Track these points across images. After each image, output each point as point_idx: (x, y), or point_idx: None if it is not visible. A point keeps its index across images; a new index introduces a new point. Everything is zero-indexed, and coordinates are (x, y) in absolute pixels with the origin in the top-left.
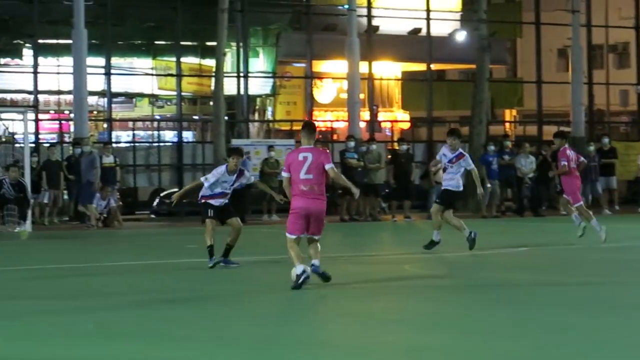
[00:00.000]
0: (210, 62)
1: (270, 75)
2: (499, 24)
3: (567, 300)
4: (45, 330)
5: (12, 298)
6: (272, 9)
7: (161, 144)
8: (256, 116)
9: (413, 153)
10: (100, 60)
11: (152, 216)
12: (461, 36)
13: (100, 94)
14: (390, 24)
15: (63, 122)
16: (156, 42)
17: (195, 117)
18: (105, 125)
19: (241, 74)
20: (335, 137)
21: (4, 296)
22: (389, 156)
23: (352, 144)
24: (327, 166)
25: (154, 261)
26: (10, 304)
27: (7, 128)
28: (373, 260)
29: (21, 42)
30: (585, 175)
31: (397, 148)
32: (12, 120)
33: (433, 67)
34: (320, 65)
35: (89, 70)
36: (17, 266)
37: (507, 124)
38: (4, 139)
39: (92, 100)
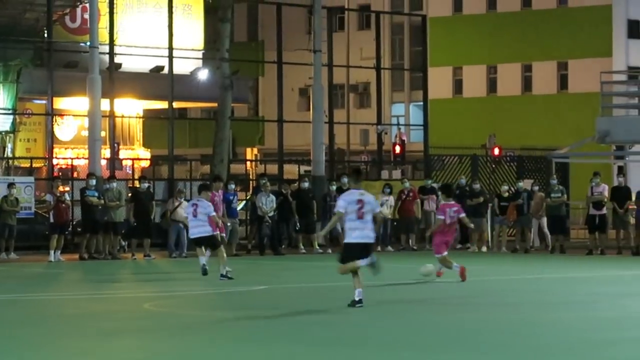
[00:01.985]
0: None
1: (10, 111)
2: (242, 62)
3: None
4: None
5: None
6: (13, 45)
7: None
8: None
9: (154, 191)
10: None
11: None
12: (203, 74)
13: None
14: (132, 62)
15: None
16: None
17: None
18: None
19: None
20: (75, 174)
21: None
22: (130, 194)
23: (93, 181)
24: None
25: None
26: None
27: None
28: (113, 299)
29: None
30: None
31: (138, 186)
32: None
33: (175, 104)
34: (61, 102)
35: None
36: None
37: (249, 163)
38: None
39: None
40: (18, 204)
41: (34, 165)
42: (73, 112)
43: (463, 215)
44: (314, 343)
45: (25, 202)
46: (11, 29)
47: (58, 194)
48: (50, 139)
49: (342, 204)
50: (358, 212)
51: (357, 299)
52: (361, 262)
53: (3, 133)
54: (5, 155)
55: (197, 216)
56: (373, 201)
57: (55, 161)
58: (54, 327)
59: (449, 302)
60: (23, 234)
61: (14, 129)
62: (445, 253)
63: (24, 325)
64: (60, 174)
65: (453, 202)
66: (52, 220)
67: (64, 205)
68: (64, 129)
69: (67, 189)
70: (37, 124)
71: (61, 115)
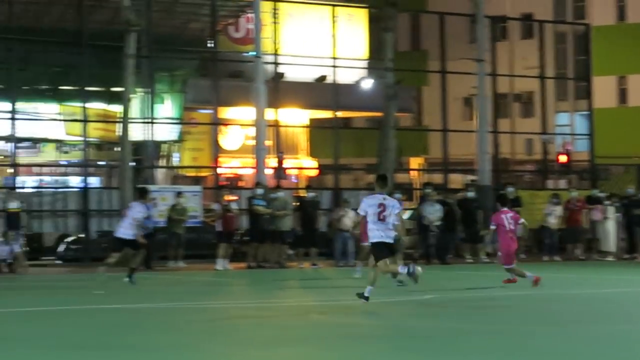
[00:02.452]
0: (117, 108)
1: (176, 121)
2: (406, 72)
3: (474, 347)
4: None
5: None
6: (179, 55)
7: (67, 189)
8: (162, 162)
9: (320, 200)
10: (6, 105)
11: (58, 262)
12: (367, 84)
13: (6, 139)
14: (296, 71)
15: None
16: (62, 87)
17: (101, 163)
18: (10, 170)
19: (147, 120)
20: (242, 183)
21: None
22: (296, 203)
23: (259, 191)
24: None
25: (58, 307)
26: None
27: None
28: (279, 307)
29: None
30: None
31: (304, 195)
32: None
33: (339, 114)
34: (226, 112)
35: None
36: None
37: (414, 172)
38: None
39: None
40: (185, 213)
41: (200, 174)
42: (238, 122)
43: (522, 221)
44: (484, 353)
45: (192, 211)
46: (176, 39)
47: (225, 203)
48: (216, 148)
49: (364, 206)
50: (379, 215)
51: (366, 294)
52: (401, 269)
53: (170, 142)
54: (172, 165)
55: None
56: (397, 205)
57: (221, 170)
58: (220, 334)
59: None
60: (191, 243)
61: (180, 139)
62: (513, 265)
63: (192, 332)
64: (228, 182)
65: (507, 209)
66: (219, 229)
67: (230, 214)
68: (230, 138)
69: (235, 198)
70: (203, 134)
71: (226, 124)
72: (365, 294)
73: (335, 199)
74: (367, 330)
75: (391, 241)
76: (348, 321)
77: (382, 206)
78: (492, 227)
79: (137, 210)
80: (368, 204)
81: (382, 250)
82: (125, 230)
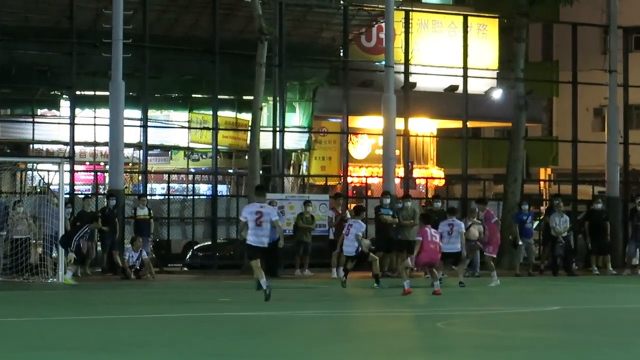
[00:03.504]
0: (247, 116)
1: (306, 130)
2: (536, 82)
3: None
4: None
5: (37, 348)
6: (310, 64)
7: (196, 197)
8: (291, 171)
9: (446, 210)
10: (137, 113)
11: (185, 269)
12: (498, 94)
13: (136, 146)
14: (427, 81)
15: (98, 173)
16: (193, 95)
17: (230, 171)
18: (140, 178)
19: (277, 129)
20: (369, 193)
21: (27, 346)
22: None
23: (387, 200)
24: None
25: (186, 314)
26: (32, 355)
27: (42, 179)
28: (406, 317)
29: (59, 93)
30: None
31: (431, 206)
32: (48, 171)
33: (469, 124)
34: (356, 121)
35: (125, 122)
36: (45, 316)
37: (542, 183)
38: (39, 190)
39: (127, 152)
40: (313, 221)
41: (328, 183)
42: (368, 131)
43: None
44: None
45: (320, 220)
46: (307, 48)
47: (340, 211)
48: (345, 157)
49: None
50: (256, 221)
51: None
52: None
53: (299, 151)
54: (300, 173)
55: None
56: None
57: (349, 179)
58: (343, 343)
59: None
60: (318, 251)
61: (309, 147)
62: None
63: (315, 340)
64: (354, 192)
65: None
66: (332, 237)
67: (346, 223)
68: (359, 147)
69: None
70: (332, 142)
71: (356, 133)
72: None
73: (463, 210)
74: (495, 340)
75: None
76: (476, 331)
77: (259, 213)
78: None
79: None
80: (247, 211)
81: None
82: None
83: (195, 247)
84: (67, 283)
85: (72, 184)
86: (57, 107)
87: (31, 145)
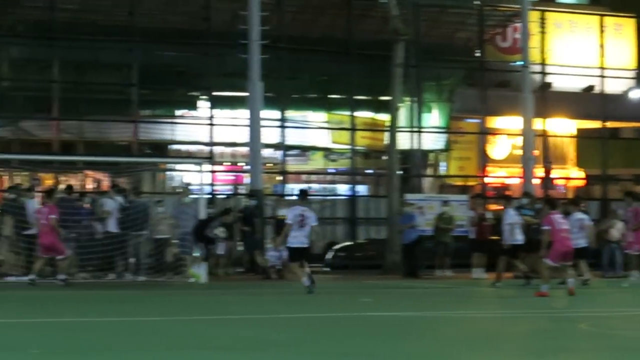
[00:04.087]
0: (384, 117)
1: (443, 130)
2: None
3: None
4: None
5: (184, 348)
6: (446, 65)
7: (335, 197)
8: (429, 171)
9: (589, 211)
10: (276, 113)
11: (325, 269)
12: (636, 94)
13: (275, 146)
14: (563, 81)
15: (238, 174)
16: (330, 96)
17: (369, 171)
18: (279, 178)
19: (415, 129)
20: (508, 193)
21: (176, 345)
22: None
23: (526, 200)
24: None
25: (327, 314)
26: (183, 354)
27: (182, 179)
28: (547, 318)
29: (197, 94)
30: None
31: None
32: (188, 171)
33: (608, 124)
34: (493, 121)
35: (264, 122)
36: (189, 316)
37: None
38: (179, 190)
39: (267, 152)
40: (452, 222)
41: (467, 183)
42: (505, 131)
43: None
44: None
45: (459, 220)
46: (443, 48)
47: (480, 212)
48: (483, 158)
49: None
50: (300, 223)
51: None
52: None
53: (437, 151)
54: (439, 173)
55: None
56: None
57: (488, 180)
58: (488, 345)
59: None
60: (458, 252)
61: (447, 148)
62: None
63: (457, 341)
64: (494, 193)
65: None
66: (472, 237)
67: (486, 223)
68: (497, 147)
69: (500, 207)
70: (469, 143)
71: (493, 134)
72: None
73: (603, 210)
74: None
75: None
76: (618, 333)
77: (302, 216)
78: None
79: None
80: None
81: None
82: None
83: (335, 247)
84: (192, 275)
85: (212, 184)
86: (196, 108)
87: (171, 146)
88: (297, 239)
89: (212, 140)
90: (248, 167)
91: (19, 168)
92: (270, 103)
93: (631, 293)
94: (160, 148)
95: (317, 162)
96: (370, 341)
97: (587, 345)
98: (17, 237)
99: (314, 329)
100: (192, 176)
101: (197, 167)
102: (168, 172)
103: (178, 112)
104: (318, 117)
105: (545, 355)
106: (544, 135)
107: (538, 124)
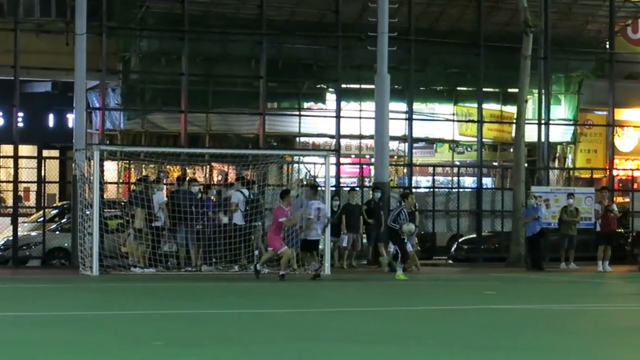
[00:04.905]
0: (511, 109)
1: (571, 122)
2: None
3: None
4: None
5: (305, 339)
6: (575, 56)
7: (460, 189)
8: (556, 163)
9: None
10: (402, 106)
11: (450, 261)
12: None
13: (402, 139)
14: None
15: (364, 166)
16: (458, 88)
17: (495, 164)
18: (405, 170)
19: (542, 121)
20: (636, 186)
21: (307, 337)
22: None
23: None
24: None
25: (450, 306)
26: (309, 345)
27: (308, 171)
28: None
29: (324, 86)
30: None
31: None
32: (314, 163)
33: None
34: (621, 113)
35: (390, 115)
36: (309, 308)
37: None
38: (305, 182)
39: (393, 144)
40: (578, 214)
41: (594, 176)
42: (634, 123)
43: None
44: None
45: (585, 213)
46: (573, 40)
47: (607, 204)
48: (611, 150)
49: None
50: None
51: None
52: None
53: (564, 144)
54: (566, 166)
55: None
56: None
57: (615, 172)
58: (609, 338)
59: None
60: (583, 244)
61: (574, 140)
62: None
63: (580, 334)
64: (620, 185)
65: None
66: (598, 229)
67: (612, 215)
68: (625, 140)
69: (628, 200)
70: (597, 135)
71: (622, 126)
72: None
73: None
74: None
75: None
76: None
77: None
78: None
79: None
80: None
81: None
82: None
83: (460, 240)
84: (399, 279)
85: (337, 176)
86: (323, 101)
87: (298, 139)
88: (316, 231)
89: (338, 132)
90: (373, 160)
91: (146, 160)
92: (397, 95)
93: None
94: (287, 141)
95: (443, 154)
96: (493, 334)
97: None
98: (145, 230)
99: (437, 322)
100: (318, 168)
101: (323, 160)
102: (295, 165)
103: (305, 105)
104: (445, 109)
105: None
106: None
107: None
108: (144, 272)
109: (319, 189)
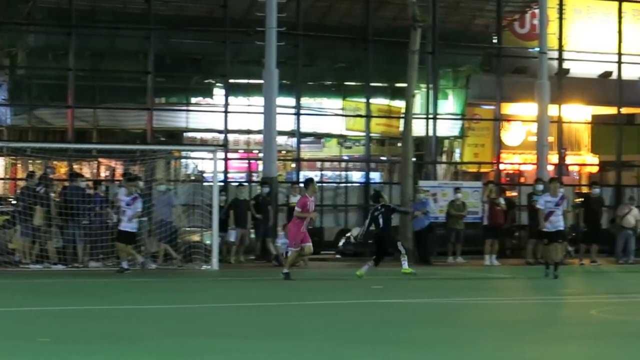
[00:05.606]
0: (399, 103)
1: (459, 117)
2: None
3: None
4: None
5: (192, 335)
6: (463, 51)
7: (348, 184)
8: (444, 158)
9: (602, 197)
10: (290, 100)
11: (338, 256)
12: None
13: (290, 133)
14: (580, 67)
15: (252, 161)
16: (346, 83)
17: (383, 158)
18: (293, 165)
19: (430, 116)
20: (522, 180)
21: (195, 333)
22: (578, 200)
23: (540, 187)
24: None
25: (339, 301)
26: (191, 341)
27: (196, 166)
28: (559, 305)
29: (213, 81)
30: None
31: (588, 192)
32: (202, 159)
33: (623, 110)
34: (509, 108)
35: (279, 110)
36: (201, 303)
37: None
38: (192, 178)
39: (281, 140)
40: (465, 209)
41: (481, 170)
42: (521, 118)
43: None
44: None
45: (472, 207)
46: (461, 35)
47: (494, 198)
48: (498, 144)
49: None
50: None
51: None
52: None
53: (452, 138)
54: (453, 160)
55: None
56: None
57: (502, 166)
58: (493, 330)
59: None
60: (471, 239)
61: (462, 134)
62: None
63: (465, 327)
64: (508, 179)
65: None
66: (485, 223)
67: (498, 208)
68: (512, 134)
69: (514, 194)
70: (485, 129)
71: (509, 120)
72: None
73: (617, 196)
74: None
75: None
76: (631, 319)
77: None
78: None
79: None
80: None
81: None
82: None
83: (347, 234)
84: (405, 272)
85: (225, 171)
86: (211, 96)
87: (185, 134)
88: (130, 223)
89: (226, 127)
90: (262, 155)
91: (33, 156)
92: (286, 90)
93: None
94: (175, 136)
95: (331, 149)
96: (376, 328)
97: (596, 331)
98: (38, 227)
99: (323, 316)
100: (206, 164)
101: (211, 155)
102: (182, 160)
103: (193, 100)
104: (333, 104)
105: (554, 342)
106: (559, 121)
107: (553, 110)
108: (29, 268)
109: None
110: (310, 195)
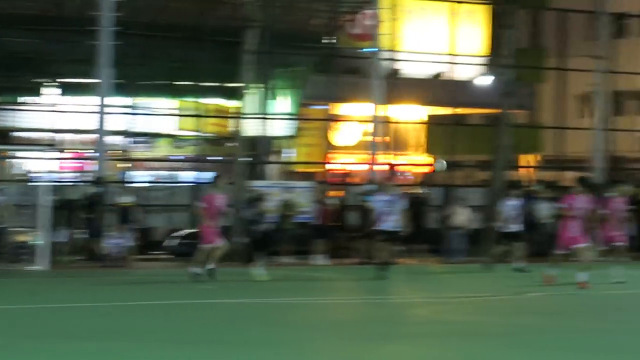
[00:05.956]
0: (232, 103)
1: (290, 117)
2: (523, 69)
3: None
4: None
5: (28, 337)
6: (298, 51)
7: (179, 184)
8: (275, 158)
9: (428, 197)
10: (123, 100)
11: (169, 256)
12: (484, 80)
13: (122, 133)
14: (414, 68)
15: (83, 161)
16: (179, 83)
17: (215, 158)
18: (125, 165)
19: (263, 116)
20: (354, 180)
21: (17, 334)
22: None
23: (369, 187)
24: None
25: (167, 301)
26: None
27: (21, 166)
28: (384, 304)
29: (44, 80)
30: None
31: (418, 192)
32: (32, 158)
33: (458, 110)
34: (343, 108)
35: (112, 109)
36: (30, 304)
37: (527, 169)
38: (20, 178)
39: (114, 139)
40: (295, 209)
41: (312, 170)
42: (354, 118)
43: None
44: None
45: (302, 207)
46: (295, 35)
47: (322, 198)
48: (328, 145)
49: None
50: None
51: None
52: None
53: (284, 138)
54: (286, 160)
55: None
56: None
57: (334, 166)
58: (322, 330)
59: None
60: (301, 238)
61: (295, 135)
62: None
63: (294, 327)
64: (340, 179)
65: None
66: (315, 223)
67: (328, 208)
68: (345, 134)
69: (340, 194)
70: (317, 130)
71: (340, 120)
72: None
73: (447, 196)
74: (474, 327)
75: None
76: (453, 318)
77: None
78: None
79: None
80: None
81: None
82: None
83: (177, 234)
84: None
85: (55, 171)
86: (43, 95)
87: (16, 133)
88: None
89: (57, 127)
90: (94, 154)
91: None
92: (120, 90)
93: (474, 278)
94: (4, 135)
95: (163, 149)
96: (205, 328)
97: (419, 330)
98: None
99: (155, 317)
100: (37, 164)
101: (40, 155)
102: (10, 160)
103: (23, 99)
104: (167, 103)
105: (382, 341)
106: (391, 122)
107: (389, 110)
108: None
109: None
110: (219, 192)
